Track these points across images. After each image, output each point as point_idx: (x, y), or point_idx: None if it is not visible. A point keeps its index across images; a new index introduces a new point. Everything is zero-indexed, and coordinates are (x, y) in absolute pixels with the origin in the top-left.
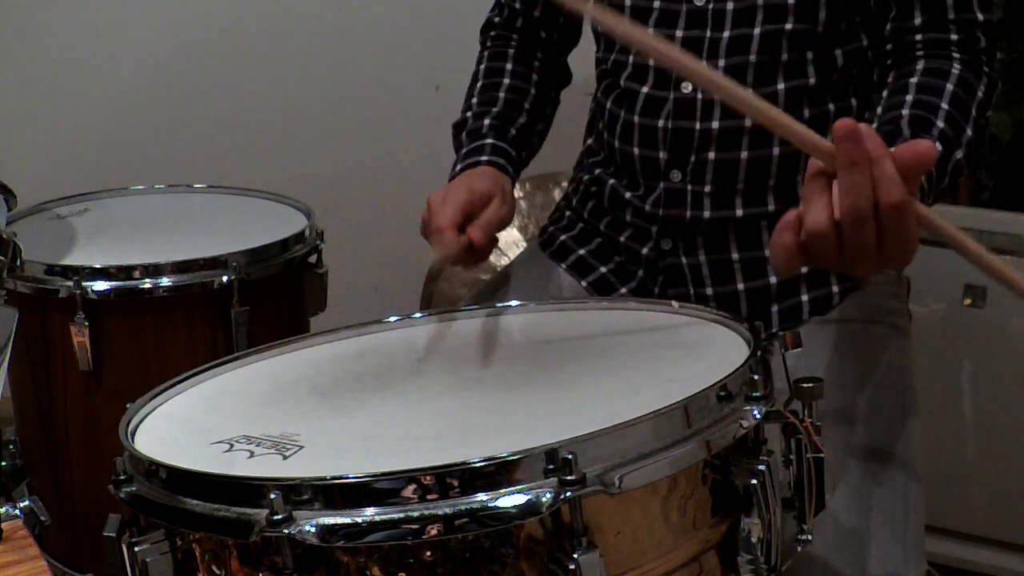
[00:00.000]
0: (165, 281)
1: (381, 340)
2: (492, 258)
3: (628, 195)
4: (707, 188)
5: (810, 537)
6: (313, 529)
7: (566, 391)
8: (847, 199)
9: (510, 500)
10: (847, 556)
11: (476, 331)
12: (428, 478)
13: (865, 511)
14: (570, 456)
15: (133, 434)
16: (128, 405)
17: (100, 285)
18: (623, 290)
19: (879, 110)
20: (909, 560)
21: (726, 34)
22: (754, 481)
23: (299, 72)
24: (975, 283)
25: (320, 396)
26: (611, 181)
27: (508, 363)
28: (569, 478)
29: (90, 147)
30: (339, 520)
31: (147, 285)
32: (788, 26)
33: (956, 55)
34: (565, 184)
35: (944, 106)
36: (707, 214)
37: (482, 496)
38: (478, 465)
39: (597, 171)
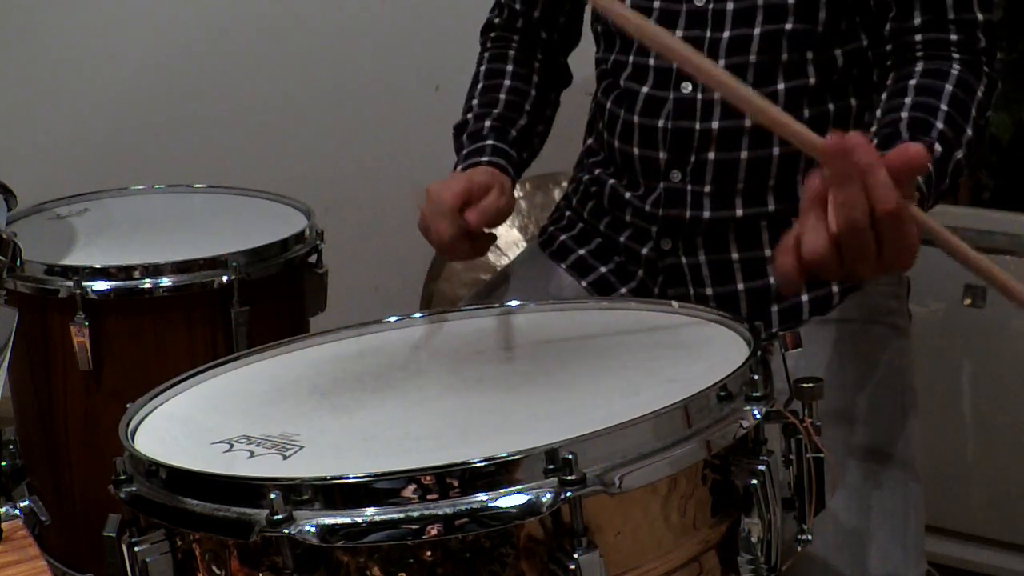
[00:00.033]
0: (165, 281)
1: (381, 340)
2: (492, 258)
3: (628, 195)
4: (707, 188)
5: (810, 537)
6: (313, 529)
7: (566, 391)
8: (842, 213)
9: (510, 500)
10: (847, 556)
11: (476, 331)
12: (428, 478)
13: (865, 511)
14: (570, 456)
15: (133, 434)
16: (128, 405)
17: (100, 285)
18: (623, 290)
19: (878, 113)
20: (909, 560)
21: (726, 34)
22: (754, 481)
23: (299, 72)
24: (975, 283)
25: (320, 396)
26: (611, 181)
27: (508, 363)
28: (569, 478)
29: (90, 147)
30: (339, 520)
31: (147, 285)
32: (788, 26)
33: (956, 55)
34: (565, 184)
35: (943, 107)
36: (707, 214)
37: (482, 496)
38: (478, 465)
39: (597, 171)
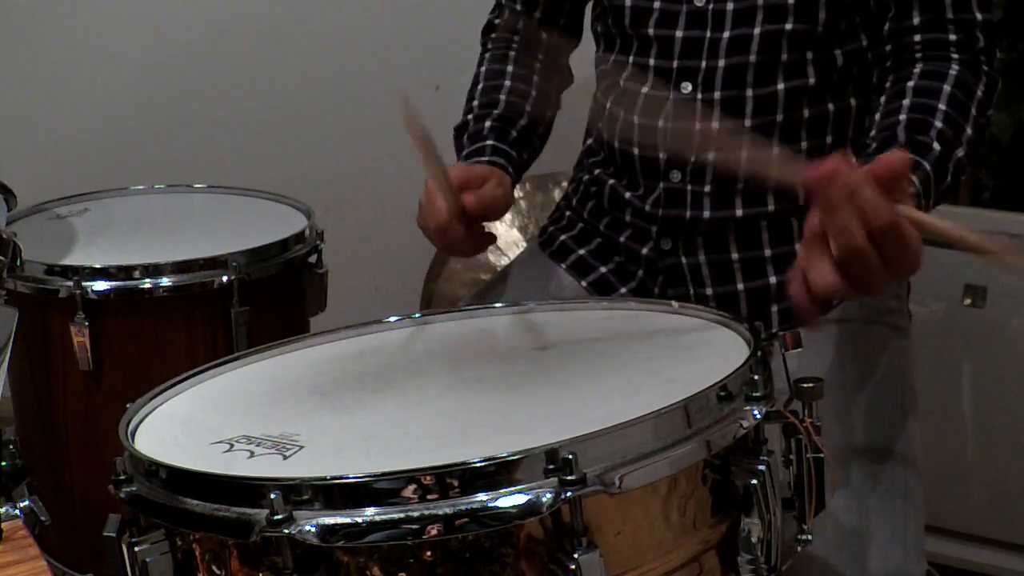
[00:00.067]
0: (165, 281)
1: (381, 340)
2: (492, 258)
3: (628, 195)
4: (707, 188)
5: (810, 537)
6: (313, 529)
7: (566, 391)
8: (840, 239)
9: (510, 500)
10: (847, 556)
11: (476, 331)
12: (428, 478)
13: (865, 511)
14: (570, 456)
15: (133, 434)
16: (128, 405)
17: (100, 285)
18: (623, 290)
19: (877, 116)
20: (909, 560)
21: (726, 34)
22: (754, 481)
23: (299, 72)
24: (975, 283)
25: (320, 396)
26: (611, 181)
27: (508, 363)
28: (569, 478)
29: (90, 147)
30: (339, 520)
31: (147, 285)
32: (788, 26)
33: (955, 55)
34: (565, 184)
35: (941, 107)
36: (707, 214)
37: (482, 496)
38: (478, 465)
39: (597, 171)
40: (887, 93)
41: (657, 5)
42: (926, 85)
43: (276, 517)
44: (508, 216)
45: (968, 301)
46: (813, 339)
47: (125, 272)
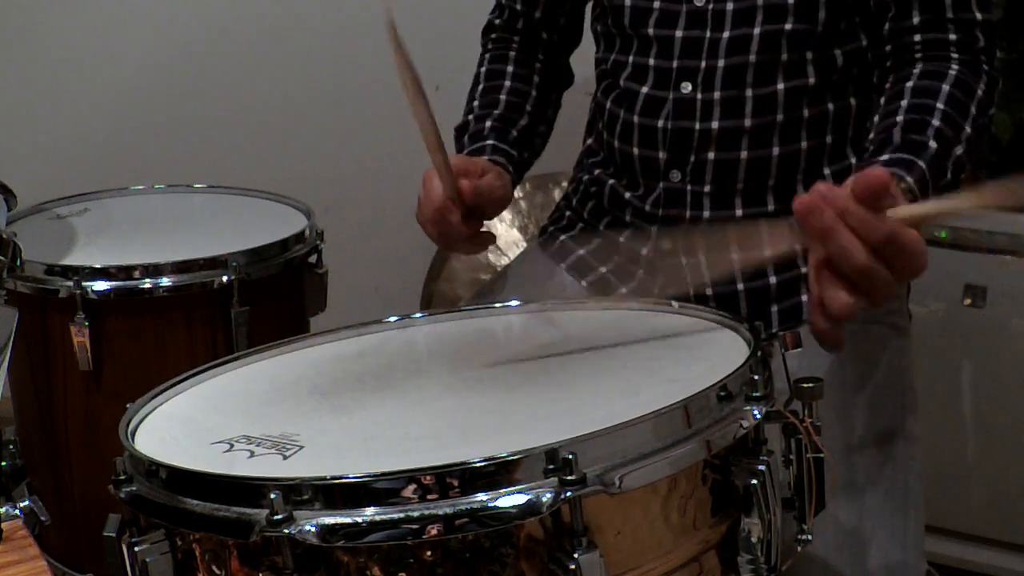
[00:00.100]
0: (165, 281)
1: (381, 340)
2: (492, 258)
3: (628, 195)
4: (707, 188)
5: (810, 537)
6: (313, 529)
7: (566, 391)
8: (844, 263)
9: (510, 500)
10: (847, 556)
11: (476, 331)
12: (428, 478)
13: (865, 511)
14: (570, 456)
15: (133, 434)
16: (128, 405)
17: (100, 285)
18: (623, 290)
19: (876, 118)
20: (909, 560)
21: (726, 34)
22: (754, 481)
23: (299, 72)
24: (975, 283)
25: (320, 396)
26: (611, 181)
27: (508, 363)
28: (569, 478)
29: (90, 147)
30: (339, 520)
31: (147, 285)
32: (788, 26)
33: (955, 55)
34: (565, 184)
35: (940, 106)
36: (707, 214)
37: (482, 496)
38: (478, 465)
39: (597, 171)
40: (886, 94)
41: (657, 5)
42: (925, 85)
43: (276, 517)
44: (508, 216)
45: (968, 301)
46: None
47: (125, 272)
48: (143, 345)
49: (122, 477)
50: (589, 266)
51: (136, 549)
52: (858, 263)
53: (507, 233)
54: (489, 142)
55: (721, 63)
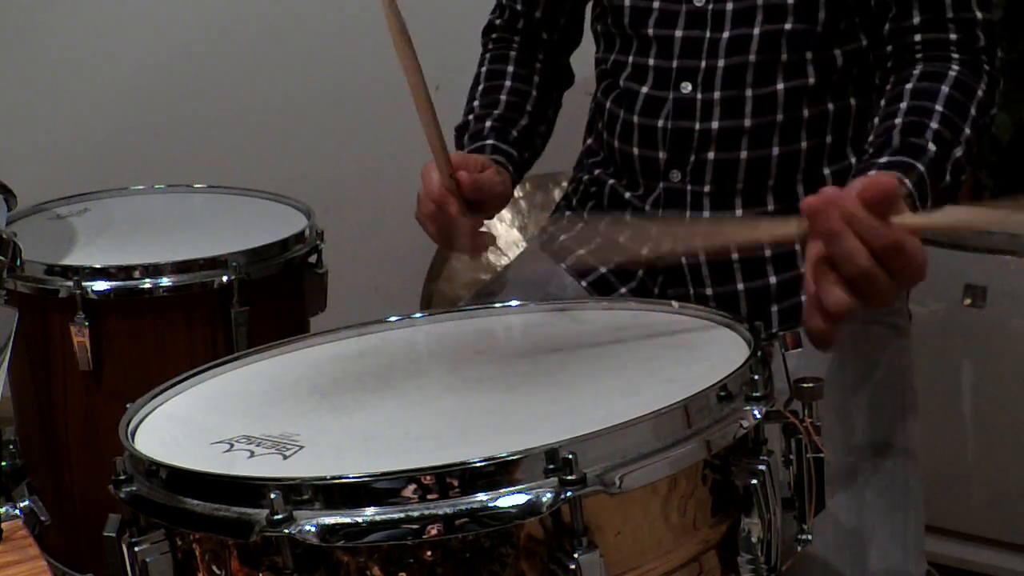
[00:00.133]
0: (165, 281)
1: (381, 340)
2: (492, 258)
3: (628, 195)
4: (706, 188)
5: (810, 537)
6: (313, 529)
7: (566, 391)
8: (847, 266)
9: (510, 500)
10: (847, 556)
11: (476, 331)
12: (428, 478)
13: (865, 511)
14: (570, 456)
15: (133, 434)
16: (128, 405)
17: (100, 285)
18: (623, 290)
19: (876, 120)
20: (909, 560)
21: (726, 34)
22: (754, 481)
23: (299, 72)
24: (975, 283)
25: (320, 396)
26: (611, 181)
27: (508, 363)
28: (569, 478)
29: (90, 147)
30: (339, 520)
31: (147, 285)
32: (787, 26)
33: (955, 55)
34: (565, 184)
35: (938, 108)
36: (707, 214)
37: (482, 496)
38: (478, 465)
39: (597, 171)
40: (886, 96)
41: (656, 5)
42: (924, 87)
43: (276, 517)
44: (508, 216)
45: (968, 301)
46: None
47: (125, 272)
48: (143, 345)
49: (122, 477)
50: (589, 266)
51: (136, 549)
52: (861, 267)
53: (507, 233)
54: (489, 142)
55: (721, 63)
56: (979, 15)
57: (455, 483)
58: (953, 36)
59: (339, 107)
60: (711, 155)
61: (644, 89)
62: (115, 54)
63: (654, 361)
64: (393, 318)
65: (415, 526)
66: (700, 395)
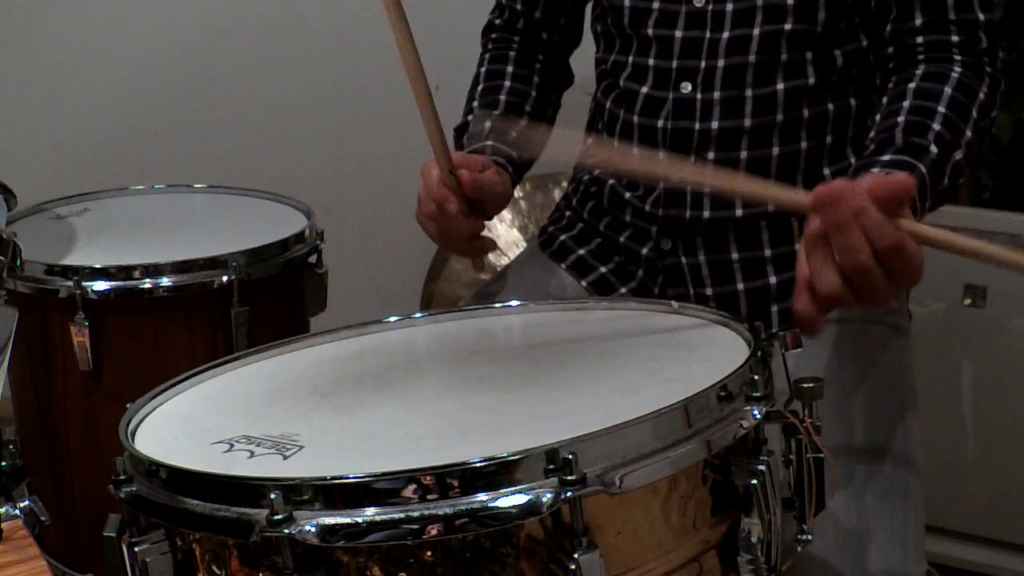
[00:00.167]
0: (165, 281)
1: (381, 340)
2: (492, 258)
3: (628, 195)
4: (706, 188)
5: (810, 537)
6: (313, 529)
7: (566, 391)
8: (846, 258)
9: (510, 500)
10: (847, 556)
11: (476, 331)
12: (428, 478)
13: (865, 511)
14: (570, 456)
15: (133, 434)
16: (128, 405)
17: (100, 285)
18: (623, 290)
19: (878, 118)
20: (909, 560)
21: (725, 35)
22: (754, 481)
23: (299, 72)
24: (975, 283)
25: (320, 396)
26: (611, 181)
27: (508, 363)
28: (569, 478)
29: (90, 147)
30: (339, 520)
31: (147, 285)
32: (787, 26)
33: (957, 57)
34: (565, 184)
35: (941, 109)
36: (707, 214)
37: (482, 496)
38: (478, 465)
39: (597, 171)
40: (888, 95)
41: (656, 5)
42: (927, 87)
43: (276, 517)
44: (508, 216)
45: (968, 301)
46: (813, 339)
47: (125, 272)
48: (143, 345)
49: (122, 477)
50: (589, 266)
51: (136, 549)
52: (861, 262)
53: (507, 233)
54: (488, 142)
55: (721, 63)
56: (981, 16)
57: (455, 483)
58: (955, 38)
59: (339, 107)
60: (711, 155)
61: (644, 89)
62: (115, 54)
63: (654, 361)
64: (393, 318)
65: (415, 526)
66: (700, 395)
